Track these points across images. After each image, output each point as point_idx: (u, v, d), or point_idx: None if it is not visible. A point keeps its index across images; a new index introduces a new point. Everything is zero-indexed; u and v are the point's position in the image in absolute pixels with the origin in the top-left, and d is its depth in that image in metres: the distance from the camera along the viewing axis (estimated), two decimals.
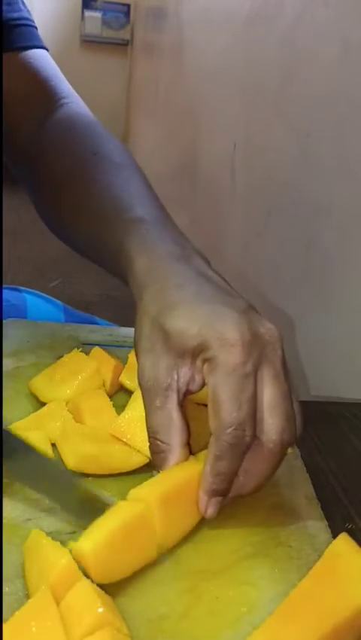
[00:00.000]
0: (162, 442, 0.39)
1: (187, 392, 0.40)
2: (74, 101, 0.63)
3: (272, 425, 0.37)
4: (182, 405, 0.40)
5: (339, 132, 0.86)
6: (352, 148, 0.82)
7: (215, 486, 0.38)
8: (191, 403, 0.50)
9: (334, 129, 0.88)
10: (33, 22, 0.63)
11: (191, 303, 0.39)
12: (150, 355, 0.40)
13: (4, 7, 0.59)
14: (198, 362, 0.38)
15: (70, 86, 0.65)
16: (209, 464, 0.37)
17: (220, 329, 0.37)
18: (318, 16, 0.94)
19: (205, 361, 0.38)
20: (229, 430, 0.36)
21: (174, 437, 0.39)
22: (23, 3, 0.63)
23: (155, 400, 0.39)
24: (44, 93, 0.62)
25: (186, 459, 0.40)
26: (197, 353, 0.38)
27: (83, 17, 3.96)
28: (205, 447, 0.46)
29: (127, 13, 3.97)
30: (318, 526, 0.42)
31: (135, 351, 0.42)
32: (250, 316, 0.39)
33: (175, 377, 0.39)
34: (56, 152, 0.59)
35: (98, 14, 3.96)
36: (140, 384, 0.40)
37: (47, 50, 0.64)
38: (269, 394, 0.37)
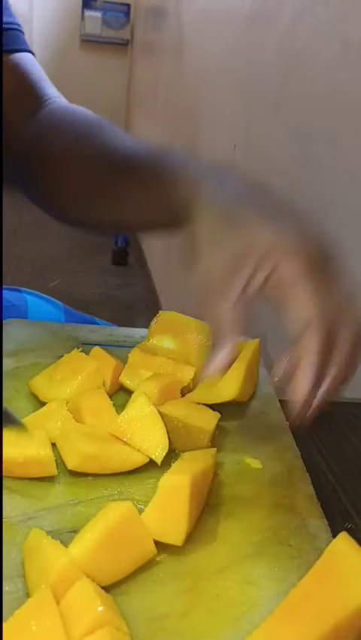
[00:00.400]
0: (223, 331, 0.41)
1: (243, 291, 0.41)
2: (61, 99, 0.66)
3: (350, 316, 0.40)
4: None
5: (339, 132, 0.86)
6: (352, 148, 0.82)
7: (317, 377, 0.39)
8: (190, 403, 0.50)
9: (334, 129, 0.88)
10: (21, 27, 0.65)
11: (255, 209, 0.42)
12: (213, 252, 0.41)
13: None
14: (267, 262, 0.40)
15: (55, 89, 0.67)
16: (310, 352, 0.39)
17: (288, 234, 0.40)
18: (318, 16, 0.94)
19: (276, 262, 0.39)
20: (321, 316, 0.38)
21: (234, 325, 0.41)
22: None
23: (216, 294, 0.41)
24: (32, 93, 0.64)
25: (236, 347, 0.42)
26: (266, 255, 0.40)
27: (83, 17, 3.96)
28: (204, 446, 0.46)
29: (127, 13, 3.97)
30: (318, 525, 0.42)
31: (194, 250, 0.43)
32: (308, 225, 0.42)
33: (238, 273, 0.40)
34: (55, 130, 0.61)
35: (98, 14, 3.95)
36: (202, 279, 0.42)
37: (33, 54, 0.66)
38: (339, 292, 0.40)
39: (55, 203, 0.63)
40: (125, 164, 0.53)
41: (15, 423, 0.44)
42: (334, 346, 0.39)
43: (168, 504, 0.38)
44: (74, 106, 0.64)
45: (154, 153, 0.51)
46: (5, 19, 0.63)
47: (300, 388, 0.39)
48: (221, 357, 0.41)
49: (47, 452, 0.42)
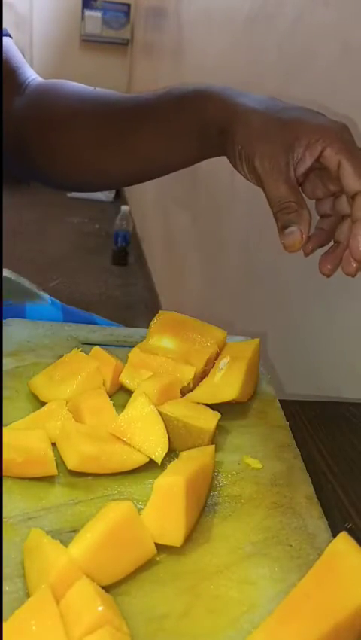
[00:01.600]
0: (294, 202, 0.47)
1: (300, 170, 0.48)
2: (39, 78, 0.67)
3: None
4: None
5: None
6: None
7: None
8: (190, 403, 0.50)
9: None
10: None
11: (289, 104, 0.51)
12: (267, 142, 0.48)
13: None
14: (317, 145, 0.47)
15: (33, 71, 0.68)
16: None
17: (327, 120, 0.49)
18: (318, 16, 0.94)
19: (326, 144, 0.47)
20: None
21: (301, 197, 0.48)
22: None
23: (279, 175, 0.47)
24: (14, 78, 0.65)
25: (310, 219, 0.47)
26: (315, 138, 0.47)
27: (83, 17, 3.96)
28: (205, 445, 0.46)
29: (127, 13, 3.97)
30: (318, 525, 0.42)
31: (244, 145, 0.49)
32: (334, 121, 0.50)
33: (291, 156, 0.47)
34: (51, 98, 0.62)
35: (98, 14, 3.96)
36: (260, 167, 0.48)
37: (11, 37, 0.66)
38: None
39: (57, 169, 0.64)
40: (139, 109, 0.57)
41: None
42: None
43: (165, 505, 0.38)
44: (60, 80, 0.66)
45: (169, 91, 0.56)
46: None
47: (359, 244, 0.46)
48: (299, 232, 0.46)
49: (47, 451, 0.42)
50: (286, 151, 0.47)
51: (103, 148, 0.60)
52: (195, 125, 0.54)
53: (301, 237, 0.46)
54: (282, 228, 0.47)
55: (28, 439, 0.43)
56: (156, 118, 0.56)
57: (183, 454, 0.44)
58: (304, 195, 0.50)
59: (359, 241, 0.46)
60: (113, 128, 0.58)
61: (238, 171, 0.52)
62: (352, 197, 0.47)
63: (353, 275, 0.48)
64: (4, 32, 0.64)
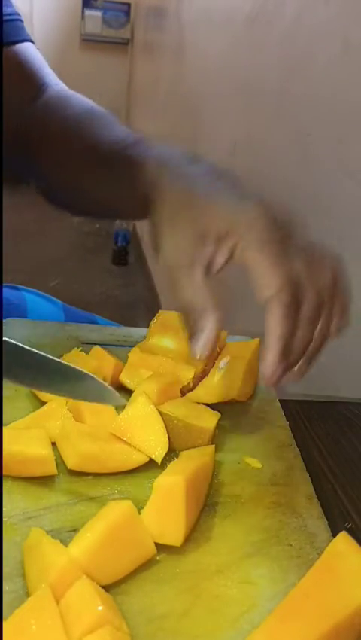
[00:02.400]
0: (198, 308, 0.41)
1: (207, 270, 0.42)
2: (60, 86, 0.67)
3: (311, 283, 0.41)
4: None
5: (339, 132, 0.86)
6: (352, 148, 0.82)
7: (284, 349, 0.40)
8: (190, 403, 0.50)
9: (334, 129, 0.88)
10: (20, 16, 0.67)
11: (213, 188, 0.43)
12: (174, 235, 0.42)
13: None
14: (227, 241, 0.41)
15: (55, 76, 0.68)
16: (274, 328, 0.39)
17: (245, 210, 0.41)
18: (318, 15, 0.94)
19: (235, 239, 0.40)
20: (286, 287, 0.39)
21: (208, 300, 0.41)
22: None
23: (182, 276, 0.41)
24: (32, 81, 0.65)
25: (223, 322, 0.41)
26: (224, 233, 0.41)
27: (83, 16, 3.96)
28: (205, 445, 0.46)
29: (127, 12, 3.96)
30: (318, 525, 0.42)
31: (157, 234, 0.44)
32: (268, 200, 0.42)
33: (199, 254, 0.41)
34: (51, 119, 0.62)
35: (98, 13, 3.95)
36: (165, 264, 0.42)
37: (33, 42, 0.67)
38: (300, 260, 0.41)
39: (50, 186, 0.65)
40: (105, 155, 0.54)
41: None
42: (301, 310, 0.40)
43: (165, 505, 0.38)
44: (71, 93, 0.65)
45: (130, 143, 0.52)
46: (5, 9, 0.64)
47: (268, 362, 0.40)
48: (205, 337, 0.41)
49: (47, 451, 0.42)
50: (193, 246, 0.41)
51: (76, 180, 0.60)
52: (132, 188, 0.49)
53: (207, 344, 0.41)
54: (189, 336, 0.42)
55: (28, 439, 0.43)
56: (109, 172, 0.54)
57: (183, 454, 0.44)
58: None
59: (265, 366, 0.40)
60: (84, 167, 0.58)
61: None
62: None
63: (273, 384, 0.41)
64: (26, 37, 0.66)
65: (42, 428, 0.46)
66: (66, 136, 0.60)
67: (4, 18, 0.64)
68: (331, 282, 0.42)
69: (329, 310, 0.42)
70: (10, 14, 0.65)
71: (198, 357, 0.41)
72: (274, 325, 0.39)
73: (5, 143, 0.65)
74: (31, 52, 0.66)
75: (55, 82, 0.67)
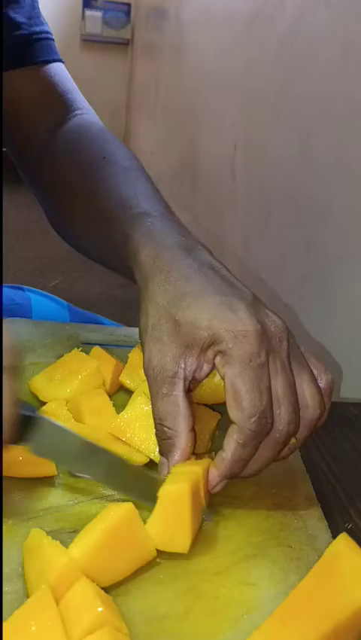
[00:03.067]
0: (168, 429, 0.40)
1: (193, 380, 0.40)
2: (87, 112, 0.66)
3: (280, 416, 0.38)
4: (188, 392, 0.40)
5: (339, 132, 0.86)
6: (352, 148, 0.82)
7: (233, 470, 0.39)
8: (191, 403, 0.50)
9: (334, 129, 0.88)
10: (51, 34, 0.66)
11: (199, 294, 0.40)
12: (157, 343, 0.40)
13: (29, 21, 0.63)
14: (209, 353, 0.39)
15: (84, 99, 0.67)
16: (230, 451, 0.38)
17: (232, 321, 0.38)
18: (318, 16, 0.94)
19: (217, 352, 0.39)
20: (253, 419, 0.37)
21: (180, 424, 0.39)
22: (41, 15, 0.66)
23: (161, 388, 0.40)
24: (61, 104, 0.64)
25: (193, 445, 0.40)
26: (207, 345, 0.39)
27: (83, 17, 3.96)
28: (204, 445, 0.46)
29: (128, 13, 3.97)
30: (318, 526, 0.42)
31: (141, 339, 0.42)
32: (258, 308, 0.40)
33: (182, 366, 0.39)
34: (66, 156, 0.61)
35: (98, 14, 3.95)
36: (146, 372, 0.41)
37: (63, 62, 0.66)
38: (278, 385, 0.39)
39: (56, 225, 0.65)
40: (105, 217, 0.52)
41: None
42: (264, 440, 0.39)
43: (171, 514, 0.38)
44: (93, 129, 0.62)
45: (133, 216, 0.49)
46: (36, 28, 0.64)
47: (212, 476, 0.39)
48: (166, 466, 0.40)
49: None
50: (177, 359, 0.39)
51: (79, 228, 0.60)
52: (129, 266, 0.49)
53: (167, 470, 0.40)
54: (160, 448, 0.41)
55: None
56: (109, 238, 0.52)
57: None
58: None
59: (210, 475, 0.39)
60: (87, 219, 0.57)
61: None
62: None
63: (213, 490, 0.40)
64: (57, 58, 0.65)
65: None
66: (72, 185, 0.59)
67: (38, 37, 0.64)
68: (314, 412, 0.40)
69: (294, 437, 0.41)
70: (41, 32, 0.64)
71: (162, 474, 0.40)
72: (230, 449, 0.38)
73: (26, 161, 0.65)
74: (63, 74, 0.65)
75: (83, 107, 0.66)
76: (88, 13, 3.95)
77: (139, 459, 0.44)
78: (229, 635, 0.34)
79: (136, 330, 0.65)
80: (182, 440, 0.39)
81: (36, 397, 0.51)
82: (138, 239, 0.46)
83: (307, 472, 0.47)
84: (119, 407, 0.48)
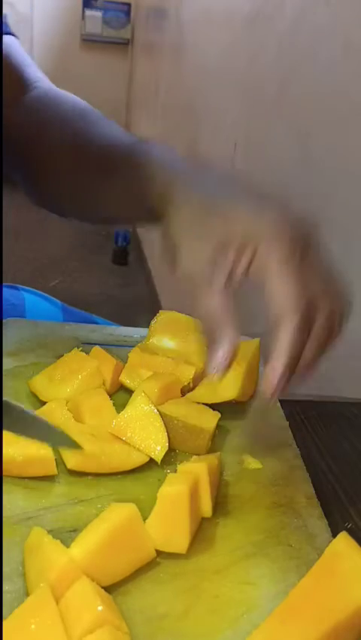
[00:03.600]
0: (215, 321, 0.40)
1: (230, 279, 0.40)
2: (46, 83, 0.66)
3: (323, 298, 0.40)
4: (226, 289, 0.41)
5: (339, 132, 0.86)
6: (352, 148, 0.82)
7: (293, 355, 0.39)
8: (190, 403, 0.50)
9: (334, 129, 0.88)
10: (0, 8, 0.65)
11: (230, 198, 0.41)
12: (193, 247, 0.41)
13: None
14: (246, 253, 0.39)
15: (40, 72, 0.66)
16: (286, 337, 0.38)
17: (270, 222, 0.39)
18: (318, 16, 0.94)
19: (253, 252, 0.39)
20: (303, 302, 0.38)
21: (226, 315, 0.40)
22: None
23: (202, 285, 0.40)
24: (14, 77, 0.63)
25: (238, 338, 0.40)
26: (245, 244, 0.39)
27: (83, 16, 3.96)
28: (204, 445, 0.46)
29: (127, 13, 3.97)
30: (318, 525, 0.42)
31: (173, 247, 0.42)
32: (288, 210, 0.41)
33: (219, 265, 0.40)
34: (40, 119, 0.61)
35: (98, 13, 3.95)
36: (184, 274, 0.41)
37: (16, 37, 0.65)
38: (316, 275, 0.40)
39: (42, 191, 0.63)
40: (101, 158, 0.53)
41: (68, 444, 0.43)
42: (310, 331, 0.40)
43: (169, 514, 0.38)
44: (63, 92, 0.63)
45: (131, 147, 0.50)
46: None
47: (271, 377, 0.39)
48: (221, 354, 0.40)
49: (46, 450, 0.42)
50: (214, 256, 0.40)
51: (70, 185, 0.59)
52: (142, 196, 0.48)
53: (224, 360, 0.40)
54: (207, 347, 0.41)
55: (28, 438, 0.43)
56: (110, 177, 0.52)
57: (191, 459, 0.44)
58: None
59: (269, 379, 0.39)
60: (78, 171, 0.57)
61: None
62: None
63: (271, 396, 0.40)
64: (8, 31, 0.64)
65: None
66: (56, 135, 0.58)
67: None
68: (340, 308, 0.41)
69: (333, 332, 0.41)
70: None
71: (214, 375, 0.40)
72: (285, 342, 0.38)
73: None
74: (16, 47, 0.64)
75: (40, 78, 0.65)
76: (88, 13, 3.95)
77: (139, 459, 0.44)
78: (229, 634, 0.34)
79: (135, 329, 0.66)
80: (231, 329, 0.40)
81: (36, 397, 0.51)
82: (150, 162, 0.47)
83: (307, 471, 0.47)
84: (120, 407, 0.48)
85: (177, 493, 0.38)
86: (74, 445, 0.43)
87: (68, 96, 0.63)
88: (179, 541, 0.38)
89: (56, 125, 0.59)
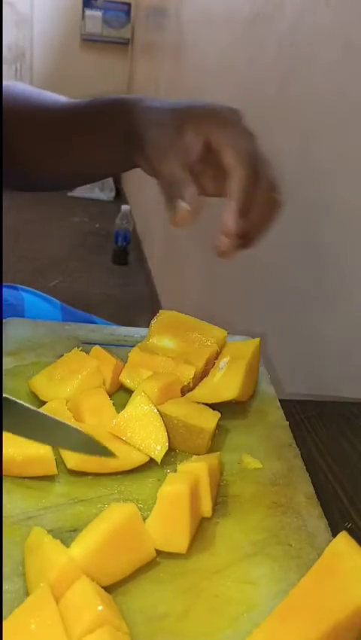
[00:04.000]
0: (181, 178, 0.48)
1: (188, 154, 0.50)
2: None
3: (265, 169, 0.49)
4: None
5: (339, 132, 0.86)
6: (352, 148, 0.82)
7: (245, 203, 0.47)
8: (190, 403, 0.50)
9: (334, 129, 0.88)
10: None
11: (187, 103, 0.53)
12: (158, 128, 0.50)
13: None
14: (203, 127, 0.49)
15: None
16: (237, 184, 0.47)
17: (218, 109, 0.51)
18: (319, 15, 0.94)
19: (210, 126, 0.49)
20: (251, 162, 0.48)
21: (187, 175, 0.48)
22: None
23: (165, 154, 0.49)
24: None
25: (197, 194, 0.47)
26: (201, 121, 0.49)
27: (83, 16, 3.96)
28: (204, 445, 0.46)
29: (127, 12, 3.97)
30: (318, 525, 0.42)
31: (141, 133, 0.51)
32: (226, 107, 0.52)
33: (180, 138, 0.49)
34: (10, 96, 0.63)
35: (98, 13, 3.95)
36: (150, 150, 0.50)
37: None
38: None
39: (14, 168, 0.64)
40: (73, 118, 0.59)
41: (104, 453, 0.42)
42: (256, 187, 0.48)
43: (169, 514, 0.38)
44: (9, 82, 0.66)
45: (93, 101, 0.59)
46: None
47: (226, 218, 0.47)
48: (185, 205, 0.46)
49: (46, 450, 0.42)
50: (175, 134, 0.49)
51: (45, 152, 0.62)
52: (118, 132, 0.56)
53: (189, 213, 0.46)
54: (170, 203, 0.47)
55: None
56: (87, 127, 0.59)
57: (190, 459, 0.44)
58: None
59: (226, 216, 0.47)
60: (53, 135, 0.61)
61: (143, 169, 0.54)
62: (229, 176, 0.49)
63: (223, 254, 0.49)
64: None
65: None
66: (16, 107, 0.61)
67: None
68: (276, 182, 0.50)
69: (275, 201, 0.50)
70: None
71: (176, 224, 0.47)
72: (236, 188, 0.47)
73: None
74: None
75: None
76: (88, 12, 3.95)
77: (139, 458, 0.44)
78: (229, 633, 0.34)
79: (135, 329, 0.66)
80: (193, 187, 0.47)
81: (36, 397, 0.51)
82: (127, 103, 0.55)
83: (307, 471, 0.47)
84: (119, 407, 0.48)
85: (177, 493, 0.38)
86: (101, 450, 0.41)
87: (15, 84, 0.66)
88: (179, 541, 0.38)
89: (18, 100, 0.62)
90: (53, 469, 0.43)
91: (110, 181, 4.07)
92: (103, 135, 0.58)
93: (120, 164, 0.60)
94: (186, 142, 0.49)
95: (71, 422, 0.46)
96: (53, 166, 0.63)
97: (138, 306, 2.59)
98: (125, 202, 3.59)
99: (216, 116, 0.50)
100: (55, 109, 0.61)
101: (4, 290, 0.74)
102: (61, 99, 0.63)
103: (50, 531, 0.36)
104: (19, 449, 0.42)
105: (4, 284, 0.76)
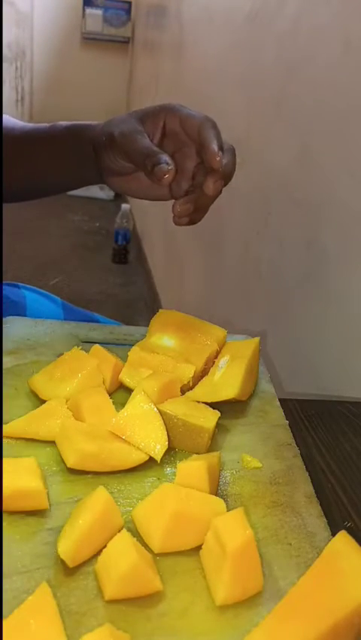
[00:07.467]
0: (154, 149, 0.54)
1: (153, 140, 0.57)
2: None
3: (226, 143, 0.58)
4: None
5: (340, 131, 0.86)
6: (352, 148, 0.82)
7: (219, 143, 0.56)
8: (190, 402, 0.50)
9: (335, 128, 0.88)
10: None
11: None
12: (122, 124, 0.57)
13: None
14: (160, 115, 0.57)
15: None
16: (211, 133, 0.56)
17: (172, 104, 0.58)
18: (319, 15, 0.94)
19: (165, 113, 0.57)
20: (211, 120, 0.57)
21: (155, 147, 0.54)
22: None
23: (135, 137, 0.55)
24: None
25: (170, 160, 0.53)
26: (157, 112, 0.58)
27: (84, 15, 3.96)
28: (204, 445, 0.47)
29: (128, 11, 3.96)
30: (317, 524, 0.42)
31: (108, 133, 0.57)
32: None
33: (143, 127, 0.57)
34: None
35: (99, 12, 3.95)
36: (120, 143, 0.56)
37: None
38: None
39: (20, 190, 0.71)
40: (34, 135, 0.66)
41: None
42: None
43: (153, 510, 0.39)
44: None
45: (68, 125, 0.65)
46: None
47: (214, 156, 0.54)
48: (165, 165, 0.52)
49: (37, 483, 0.40)
50: (138, 125, 0.57)
51: (7, 167, 0.67)
52: (78, 147, 0.62)
53: (169, 168, 0.52)
54: (151, 169, 0.52)
55: (16, 469, 0.40)
56: (47, 143, 0.65)
57: (190, 458, 0.44)
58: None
59: (210, 155, 0.53)
60: (15, 150, 0.66)
61: (108, 167, 0.59)
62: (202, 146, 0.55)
63: (213, 193, 0.56)
64: None
65: (42, 427, 0.46)
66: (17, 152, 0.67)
67: None
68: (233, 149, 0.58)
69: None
70: None
71: (161, 181, 0.52)
72: (211, 133, 0.55)
73: None
74: None
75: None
76: (88, 11, 3.95)
77: (138, 457, 0.44)
78: (228, 632, 0.34)
79: (135, 328, 0.66)
80: (162, 152, 0.54)
81: (36, 396, 0.51)
82: (88, 128, 0.62)
83: (307, 470, 0.47)
84: (119, 405, 0.48)
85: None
86: None
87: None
88: (155, 540, 0.38)
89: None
90: (44, 503, 0.40)
91: None
92: (62, 149, 0.64)
93: (75, 178, 0.66)
94: (147, 130, 0.57)
95: (70, 421, 0.46)
96: (8, 179, 0.67)
97: (137, 304, 2.59)
98: (126, 201, 3.59)
99: (171, 107, 0.58)
100: (16, 128, 0.67)
101: (6, 288, 0.74)
102: (27, 125, 0.69)
103: (50, 530, 0.36)
104: (8, 481, 0.39)
105: (5, 282, 0.76)
